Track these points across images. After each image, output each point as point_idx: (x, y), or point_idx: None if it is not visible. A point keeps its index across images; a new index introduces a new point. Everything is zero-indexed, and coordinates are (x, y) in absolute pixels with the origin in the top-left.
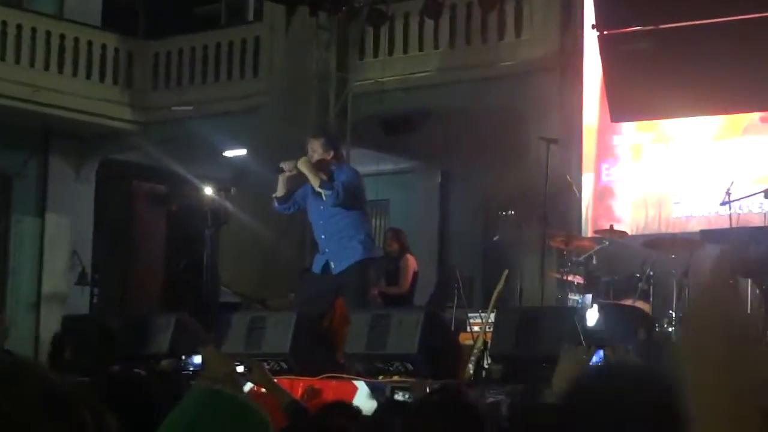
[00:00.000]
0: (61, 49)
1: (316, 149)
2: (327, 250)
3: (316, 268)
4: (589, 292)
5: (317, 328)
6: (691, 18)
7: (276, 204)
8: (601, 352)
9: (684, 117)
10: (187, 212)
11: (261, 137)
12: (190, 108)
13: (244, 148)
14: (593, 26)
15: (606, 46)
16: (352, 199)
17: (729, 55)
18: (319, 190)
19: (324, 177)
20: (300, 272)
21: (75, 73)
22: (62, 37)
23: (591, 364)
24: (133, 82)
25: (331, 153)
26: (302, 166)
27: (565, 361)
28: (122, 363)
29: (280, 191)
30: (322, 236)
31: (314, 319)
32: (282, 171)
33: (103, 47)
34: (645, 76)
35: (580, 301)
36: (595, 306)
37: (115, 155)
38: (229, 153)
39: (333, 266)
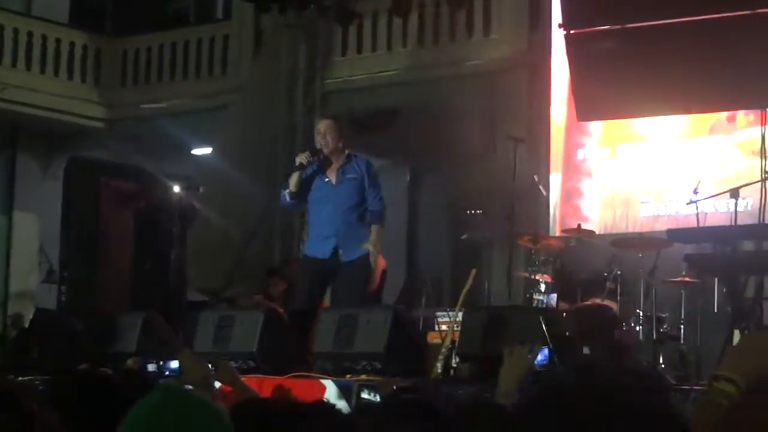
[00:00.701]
0: (29, 47)
1: (329, 133)
2: (334, 234)
3: (320, 252)
4: (555, 292)
5: (285, 326)
6: (657, 17)
7: (288, 198)
8: (546, 351)
9: (650, 116)
10: (155, 210)
11: (230, 135)
12: (159, 106)
13: (213, 146)
14: (559, 25)
15: (572, 45)
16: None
17: (695, 54)
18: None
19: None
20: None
21: (43, 71)
22: (30, 34)
23: (536, 363)
24: (102, 80)
25: (342, 141)
26: (330, 133)
27: (509, 360)
28: (89, 361)
29: (293, 186)
30: (331, 220)
31: (282, 317)
32: (302, 167)
33: (72, 45)
34: (611, 75)
35: (544, 300)
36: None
37: (83, 153)
38: (197, 151)
39: (342, 253)
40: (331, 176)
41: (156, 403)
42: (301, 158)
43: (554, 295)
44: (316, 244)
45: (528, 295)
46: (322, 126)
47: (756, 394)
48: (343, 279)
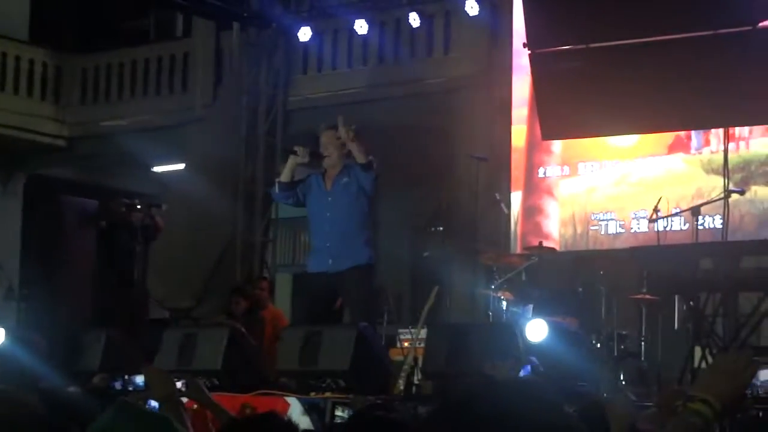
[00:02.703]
0: None
1: (333, 142)
2: (328, 244)
3: (315, 266)
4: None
5: (249, 344)
6: (620, 38)
7: (276, 189)
8: (528, 368)
9: (614, 135)
10: (117, 228)
11: (191, 153)
12: (119, 123)
13: (174, 163)
14: (524, 45)
15: (537, 64)
16: (374, 192)
17: (657, 74)
18: (362, 161)
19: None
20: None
21: (2, 88)
22: None
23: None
24: (62, 97)
25: (346, 149)
26: (349, 134)
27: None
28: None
29: (285, 176)
30: (326, 229)
31: (245, 335)
32: (294, 153)
33: (31, 62)
34: (575, 94)
35: (520, 311)
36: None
37: (43, 170)
38: (158, 168)
39: (331, 263)
40: (328, 183)
41: (109, 420)
42: (297, 148)
43: (530, 306)
44: (314, 259)
45: (489, 312)
46: (324, 137)
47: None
48: (342, 296)
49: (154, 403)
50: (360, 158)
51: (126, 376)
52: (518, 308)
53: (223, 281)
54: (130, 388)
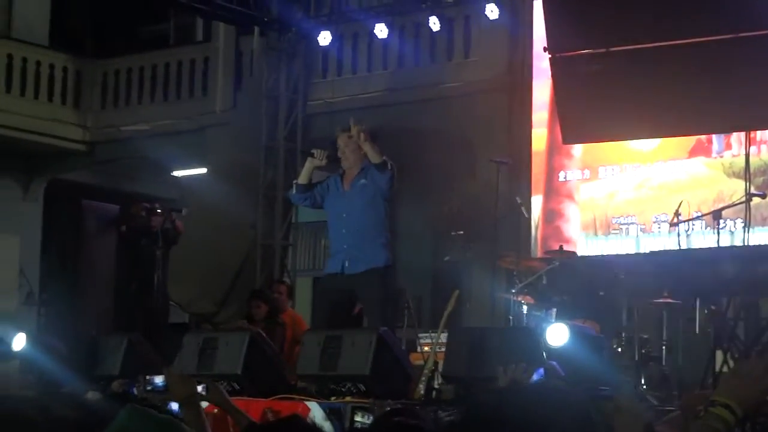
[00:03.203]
0: (9, 69)
1: (349, 145)
2: (345, 246)
3: (333, 267)
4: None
5: (269, 348)
6: (641, 41)
7: (294, 191)
8: (541, 371)
9: (634, 139)
10: (137, 232)
11: (211, 157)
12: (140, 128)
13: (194, 167)
14: (545, 49)
15: (558, 68)
16: (392, 191)
17: (678, 77)
18: (377, 161)
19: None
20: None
21: (23, 93)
22: (10, 56)
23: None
24: (82, 102)
25: (362, 150)
26: (361, 135)
27: (504, 381)
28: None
29: (302, 178)
30: (343, 230)
31: (266, 339)
32: (312, 155)
33: (51, 67)
34: (596, 98)
35: (543, 315)
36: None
37: (64, 175)
38: (179, 173)
39: (347, 264)
40: (346, 185)
41: (120, 424)
42: (315, 150)
43: (553, 310)
44: (331, 261)
45: (510, 317)
46: (340, 140)
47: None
48: (360, 300)
49: (175, 406)
50: (374, 158)
51: (146, 377)
52: (541, 312)
53: (245, 286)
54: (149, 388)
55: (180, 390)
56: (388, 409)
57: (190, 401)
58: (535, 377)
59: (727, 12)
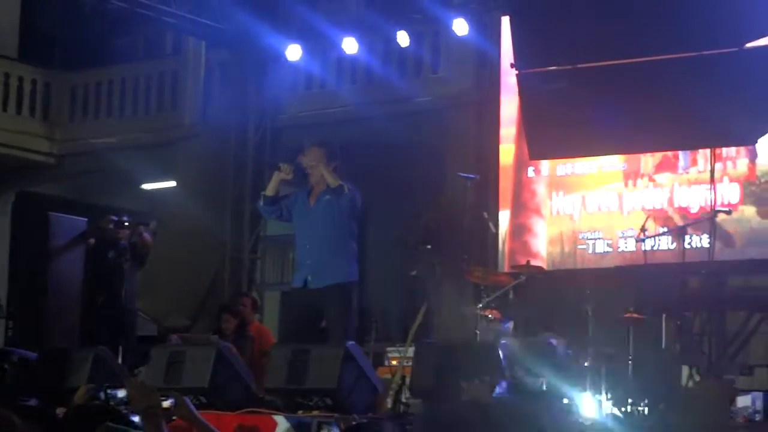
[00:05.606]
0: None
1: (318, 158)
2: (309, 261)
3: (297, 282)
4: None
5: (237, 362)
6: (607, 58)
7: (261, 203)
8: (504, 384)
9: (600, 155)
10: (106, 246)
11: (180, 170)
12: (108, 141)
13: (163, 181)
14: (511, 65)
15: (524, 84)
16: (354, 212)
17: (644, 95)
18: (333, 185)
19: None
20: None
21: None
22: None
23: (495, 395)
24: (51, 114)
25: (333, 165)
26: (319, 162)
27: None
28: (40, 397)
29: (270, 190)
30: (307, 246)
31: (234, 353)
32: (279, 169)
33: (20, 79)
34: (562, 114)
35: (504, 326)
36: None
37: (32, 188)
38: (148, 186)
39: (310, 279)
40: (312, 200)
41: None
42: (282, 164)
43: (509, 324)
44: (296, 275)
45: (477, 331)
46: (305, 155)
47: None
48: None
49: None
50: (331, 182)
51: (107, 390)
52: (498, 326)
53: (218, 299)
54: (111, 402)
55: (139, 401)
56: (353, 423)
57: (150, 412)
58: (498, 390)
59: (691, 31)
